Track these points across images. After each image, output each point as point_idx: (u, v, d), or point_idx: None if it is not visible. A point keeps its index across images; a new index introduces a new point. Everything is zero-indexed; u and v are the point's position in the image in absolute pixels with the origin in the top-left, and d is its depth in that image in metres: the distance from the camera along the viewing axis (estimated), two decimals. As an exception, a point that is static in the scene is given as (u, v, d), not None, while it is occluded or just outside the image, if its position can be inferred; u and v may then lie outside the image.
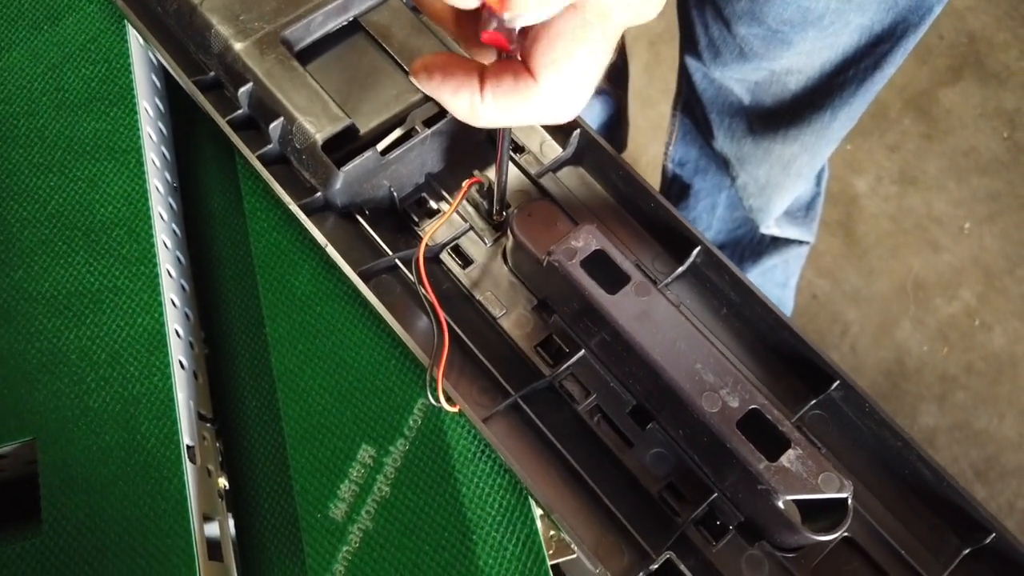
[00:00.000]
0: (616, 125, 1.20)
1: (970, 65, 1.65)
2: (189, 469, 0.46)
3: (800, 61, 0.75)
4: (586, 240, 0.41)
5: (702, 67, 0.83)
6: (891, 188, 1.54)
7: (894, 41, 0.72)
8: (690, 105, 0.92)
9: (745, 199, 0.96)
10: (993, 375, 1.40)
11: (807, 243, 1.07)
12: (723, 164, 0.94)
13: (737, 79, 0.81)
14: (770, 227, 1.01)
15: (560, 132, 0.51)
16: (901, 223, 1.51)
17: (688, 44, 0.83)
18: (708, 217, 1.06)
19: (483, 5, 0.30)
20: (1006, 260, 1.48)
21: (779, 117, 0.82)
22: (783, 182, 0.91)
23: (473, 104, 0.33)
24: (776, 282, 1.16)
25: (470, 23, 0.36)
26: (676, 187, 1.06)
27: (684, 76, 0.89)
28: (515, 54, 0.32)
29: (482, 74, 0.33)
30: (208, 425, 0.53)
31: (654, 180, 1.21)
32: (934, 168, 1.56)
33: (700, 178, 1.02)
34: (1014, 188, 1.54)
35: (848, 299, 1.45)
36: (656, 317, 0.40)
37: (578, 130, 0.50)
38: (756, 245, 1.08)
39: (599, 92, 1.10)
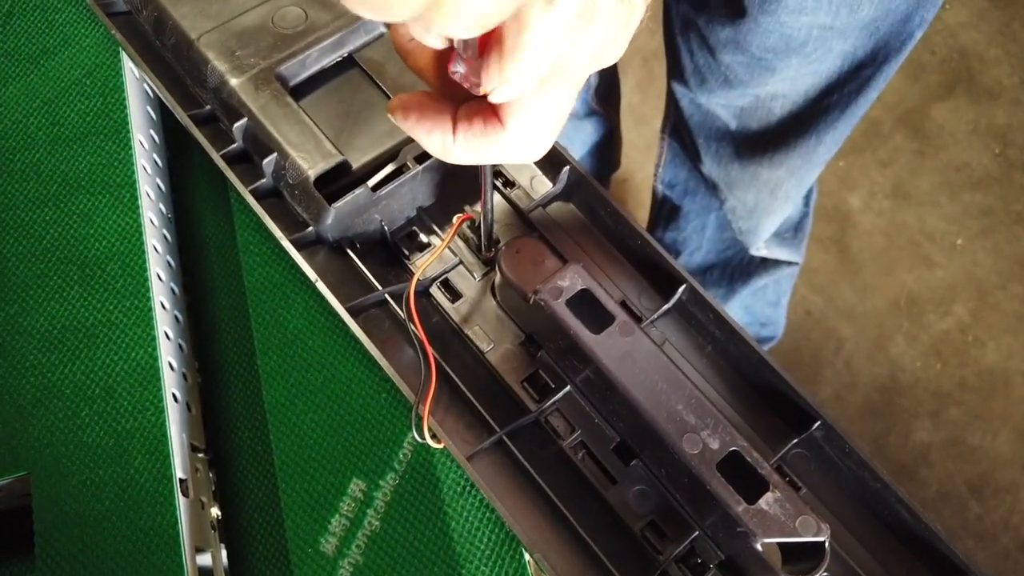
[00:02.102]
0: (609, 145, 1.21)
1: (962, 81, 1.66)
2: (182, 503, 0.47)
3: (784, 87, 0.76)
4: (572, 279, 0.42)
5: (689, 93, 0.84)
6: (884, 204, 1.55)
7: (876, 66, 0.74)
8: (678, 129, 0.93)
9: (734, 222, 0.97)
10: (987, 391, 1.40)
11: (796, 263, 1.08)
12: (712, 187, 0.95)
13: (723, 104, 0.82)
14: (759, 249, 1.02)
15: (550, 168, 0.52)
16: (894, 239, 1.52)
17: (675, 70, 0.84)
18: (698, 238, 1.07)
19: (450, 47, 0.32)
20: (999, 276, 1.49)
21: (765, 142, 0.84)
22: (771, 205, 0.92)
23: (445, 144, 0.35)
24: (768, 301, 1.16)
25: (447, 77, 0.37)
26: (666, 208, 1.07)
27: (672, 101, 0.90)
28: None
29: (455, 116, 0.34)
30: (201, 456, 0.53)
31: (648, 198, 1.22)
32: (927, 184, 1.57)
33: (690, 200, 1.03)
34: (1006, 204, 1.55)
35: (842, 315, 1.46)
36: (639, 358, 0.41)
37: (568, 167, 0.50)
38: (746, 265, 1.09)
39: (591, 113, 1.11)
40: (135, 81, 0.58)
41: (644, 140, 1.57)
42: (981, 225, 1.53)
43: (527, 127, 0.33)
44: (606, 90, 1.08)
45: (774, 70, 0.73)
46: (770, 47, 0.70)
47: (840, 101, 0.76)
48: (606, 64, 0.34)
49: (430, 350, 0.45)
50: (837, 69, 0.73)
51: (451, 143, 0.34)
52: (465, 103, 0.34)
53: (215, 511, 0.53)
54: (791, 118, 0.79)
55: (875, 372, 1.42)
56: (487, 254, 0.49)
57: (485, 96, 0.32)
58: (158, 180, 0.58)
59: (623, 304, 0.48)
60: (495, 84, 0.31)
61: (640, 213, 1.54)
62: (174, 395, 0.50)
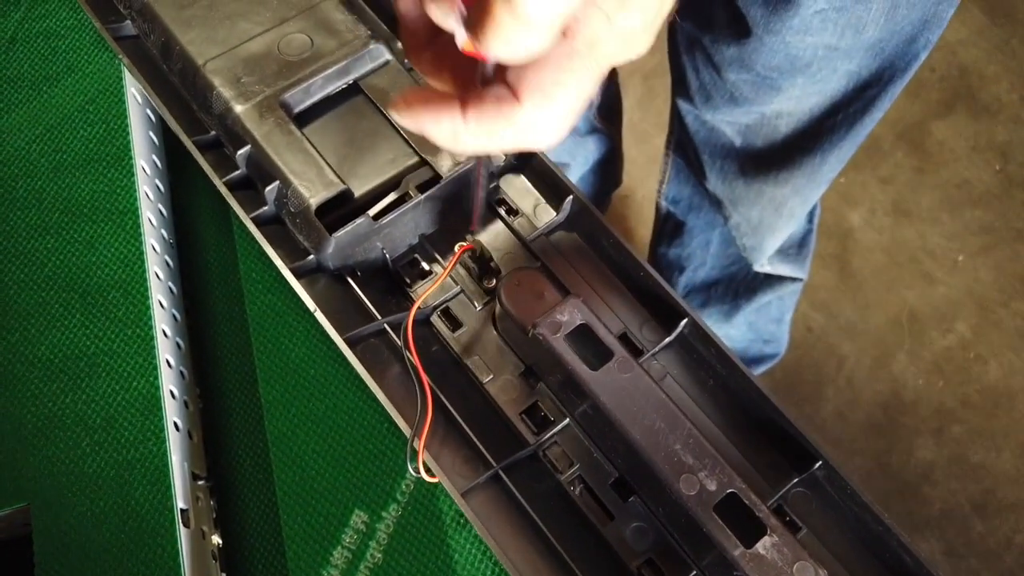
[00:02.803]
0: (611, 162, 1.21)
1: (962, 98, 1.67)
2: (183, 534, 0.46)
3: (790, 105, 0.76)
4: (571, 314, 0.42)
5: (694, 110, 0.84)
6: (885, 221, 1.55)
7: (881, 86, 0.74)
8: (682, 145, 0.93)
9: (738, 238, 0.97)
10: (989, 408, 1.40)
11: (800, 280, 1.08)
12: (716, 203, 0.95)
13: (728, 122, 0.82)
14: (763, 265, 1.02)
15: (553, 196, 0.52)
16: (895, 256, 1.52)
17: (680, 88, 0.85)
18: (702, 254, 1.07)
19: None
20: (1000, 292, 1.48)
21: (770, 160, 0.84)
22: (775, 223, 0.92)
23: (455, 129, 0.33)
24: (771, 318, 1.16)
25: (459, 71, 0.36)
26: (670, 225, 1.07)
27: (676, 118, 0.90)
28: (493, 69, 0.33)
29: (464, 100, 0.33)
30: (202, 483, 0.53)
31: (649, 215, 1.22)
32: (927, 201, 1.57)
33: (694, 216, 1.04)
34: (1007, 220, 1.55)
35: (843, 332, 1.46)
36: (637, 395, 0.40)
37: (571, 196, 0.50)
38: (751, 281, 1.09)
39: (594, 131, 1.11)
40: (138, 107, 0.59)
41: (645, 157, 1.57)
42: (982, 242, 1.53)
43: (547, 106, 0.32)
44: (609, 108, 1.09)
45: (779, 89, 0.73)
46: (775, 66, 0.71)
47: (845, 121, 0.77)
48: (634, 52, 0.32)
49: (427, 381, 0.45)
50: (843, 89, 0.73)
51: (462, 127, 0.33)
52: (476, 89, 0.33)
53: (216, 539, 0.53)
54: (796, 136, 0.80)
55: (877, 389, 1.42)
56: (488, 284, 0.49)
57: (498, 78, 0.31)
58: (160, 206, 0.58)
59: (623, 337, 0.48)
60: (503, 23, 0.28)
61: (642, 230, 1.55)
62: (175, 424, 0.50)
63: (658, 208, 1.08)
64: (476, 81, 0.33)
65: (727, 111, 0.80)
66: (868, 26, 0.66)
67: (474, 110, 0.32)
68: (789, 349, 1.42)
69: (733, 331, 1.17)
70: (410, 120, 0.34)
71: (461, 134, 0.33)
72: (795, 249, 1.04)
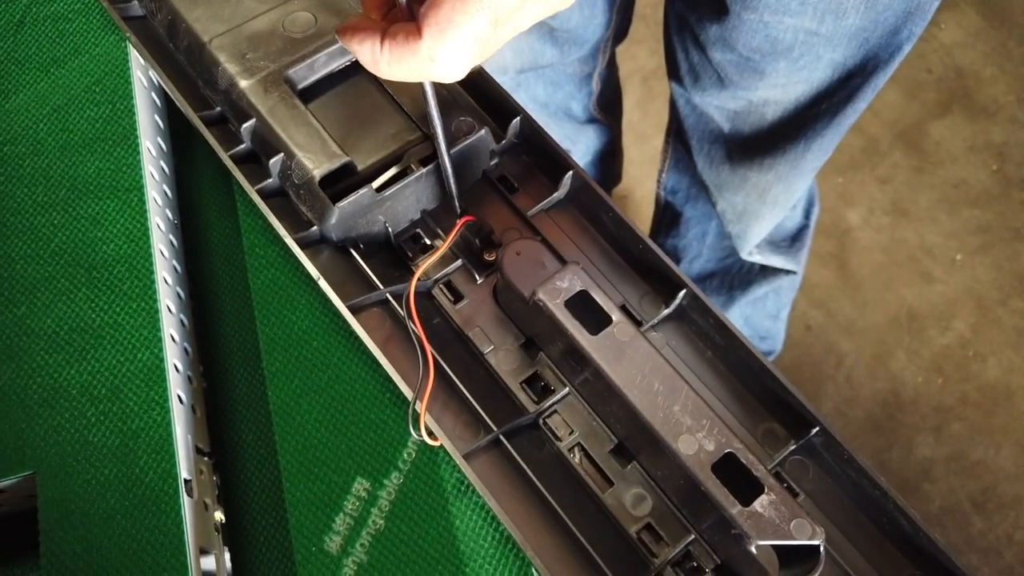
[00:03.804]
0: (610, 155, 1.22)
1: (959, 99, 1.68)
2: (186, 503, 0.47)
3: (776, 93, 0.78)
4: (571, 281, 0.43)
5: (685, 93, 0.86)
6: (883, 220, 1.56)
7: (865, 76, 0.75)
8: (680, 132, 0.95)
9: (725, 225, 0.99)
10: (988, 406, 1.40)
11: (794, 273, 1.09)
12: (705, 189, 0.97)
13: (716, 106, 0.84)
14: (752, 254, 1.03)
15: (554, 173, 0.52)
16: (894, 255, 1.53)
17: (672, 70, 0.87)
18: (698, 245, 1.08)
19: None
20: (999, 291, 1.49)
21: (756, 146, 0.86)
22: (759, 210, 0.93)
23: (374, 53, 0.39)
24: (767, 313, 1.17)
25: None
26: (668, 215, 1.08)
27: (672, 102, 0.92)
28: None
29: (383, 31, 0.39)
30: (206, 459, 0.53)
31: (648, 214, 1.23)
32: (925, 200, 1.58)
33: (691, 206, 1.05)
34: (1005, 220, 1.55)
35: (842, 330, 1.46)
36: (636, 359, 0.41)
37: (571, 172, 0.51)
38: (745, 274, 1.10)
39: (592, 120, 1.13)
40: (143, 90, 0.59)
41: (644, 157, 1.58)
42: (980, 241, 1.53)
43: (440, 39, 0.36)
44: (607, 99, 1.10)
45: (763, 72, 0.75)
46: (756, 47, 0.72)
47: (829, 110, 0.78)
48: (545, 11, 0.37)
49: (428, 347, 0.46)
50: (828, 79, 0.75)
51: (379, 53, 0.38)
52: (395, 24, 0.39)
53: (219, 515, 0.53)
54: (782, 124, 0.81)
55: (876, 387, 1.42)
56: (489, 257, 0.50)
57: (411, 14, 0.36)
58: (165, 187, 0.59)
59: (623, 308, 0.48)
60: None
61: (642, 228, 1.55)
62: (179, 396, 0.50)
63: (657, 198, 1.09)
64: (398, 15, 0.39)
65: (715, 94, 0.82)
66: (849, 12, 0.68)
67: (388, 40, 0.38)
68: (789, 347, 1.43)
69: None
70: (344, 41, 0.40)
71: (379, 60, 0.39)
72: (787, 242, 1.05)
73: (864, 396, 1.41)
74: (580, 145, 1.15)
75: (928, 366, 1.43)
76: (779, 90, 0.77)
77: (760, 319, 1.18)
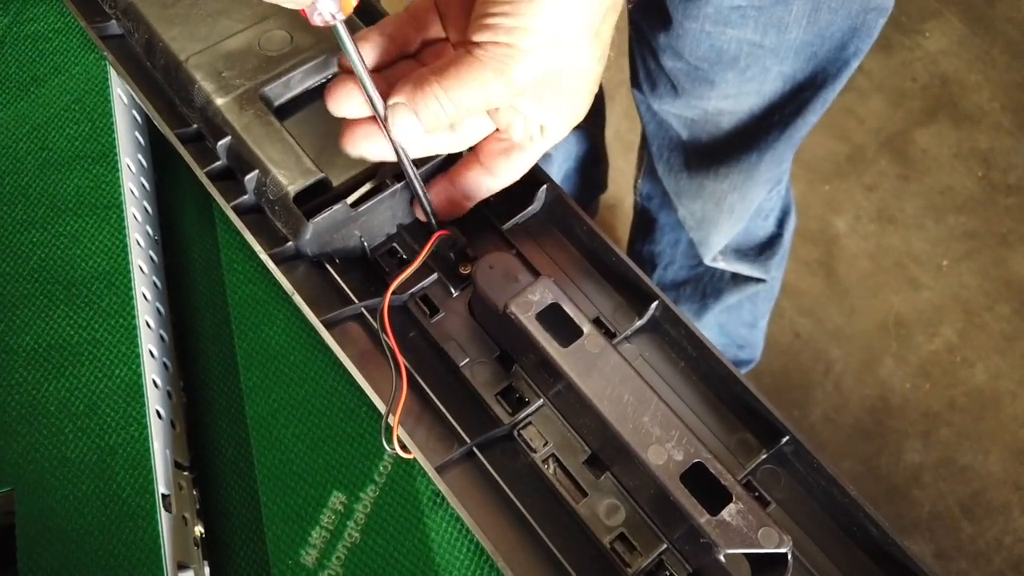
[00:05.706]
0: (593, 162, 1.23)
1: (944, 107, 1.69)
2: (164, 518, 0.47)
3: (728, 103, 0.80)
4: (543, 293, 0.43)
5: (645, 99, 0.88)
6: (870, 227, 1.57)
7: (815, 90, 0.77)
8: (644, 138, 0.97)
9: (688, 231, 1.00)
10: (976, 411, 1.41)
11: (763, 281, 1.09)
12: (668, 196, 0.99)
13: (674, 114, 0.86)
14: (717, 260, 1.04)
15: (528, 187, 0.53)
16: (881, 262, 1.54)
17: (632, 76, 0.89)
18: (672, 251, 1.09)
19: None
20: (985, 296, 1.50)
21: (712, 155, 0.87)
22: (717, 218, 0.95)
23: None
24: (743, 321, 1.18)
25: None
26: (644, 220, 1.09)
27: (637, 110, 0.93)
28: None
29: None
30: (185, 473, 0.53)
31: (635, 223, 1.24)
32: (911, 207, 1.59)
33: (665, 213, 1.06)
34: (990, 226, 1.57)
35: (830, 337, 1.47)
36: (606, 370, 0.41)
37: (545, 185, 0.52)
38: (716, 282, 1.11)
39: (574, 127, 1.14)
40: (123, 108, 0.60)
41: (631, 166, 1.58)
42: (966, 247, 1.55)
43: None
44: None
45: (712, 82, 0.77)
46: (703, 56, 0.74)
47: (780, 122, 0.81)
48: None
49: (401, 359, 0.46)
50: (779, 91, 0.77)
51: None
52: None
53: (199, 529, 0.53)
54: (736, 134, 0.83)
55: (865, 394, 1.43)
56: (464, 271, 0.50)
57: None
58: (145, 203, 0.59)
59: (596, 321, 0.49)
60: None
61: (627, 237, 1.56)
62: (158, 412, 0.51)
63: (635, 204, 1.11)
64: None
65: (670, 101, 0.84)
66: (791, 26, 0.69)
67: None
68: (777, 355, 1.43)
69: (705, 332, 1.17)
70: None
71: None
72: (754, 251, 1.05)
73: (853, 403, 1.42)
74: (560, 151, 1.15)
75: (916, 372, 1.44)
76: (731, 100, 0.79)
77: (736, 327, 1.18)
